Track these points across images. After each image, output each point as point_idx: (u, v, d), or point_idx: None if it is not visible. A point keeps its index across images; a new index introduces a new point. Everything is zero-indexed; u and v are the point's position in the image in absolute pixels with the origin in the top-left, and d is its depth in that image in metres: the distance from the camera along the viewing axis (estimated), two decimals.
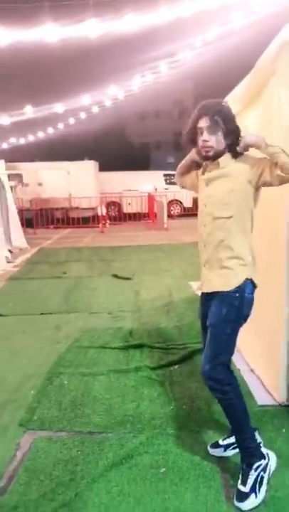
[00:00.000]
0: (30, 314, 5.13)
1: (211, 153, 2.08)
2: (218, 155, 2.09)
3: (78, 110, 13.97)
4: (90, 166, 16.88)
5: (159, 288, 6.13)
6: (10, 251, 9.34)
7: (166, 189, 17.81)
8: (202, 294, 2.28)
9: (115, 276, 7.03)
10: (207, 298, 2.19)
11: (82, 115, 15.04)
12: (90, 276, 7.18)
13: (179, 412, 2.84)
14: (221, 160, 2.09)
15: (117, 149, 28.45)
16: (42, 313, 5.13)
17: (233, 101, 3.68)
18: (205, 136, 2.05)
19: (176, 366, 3.52)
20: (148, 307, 5.24)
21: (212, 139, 2.04)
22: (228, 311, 2.06)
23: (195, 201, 17.83)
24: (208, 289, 2.16)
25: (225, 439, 2.40)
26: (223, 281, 2.09)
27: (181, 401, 2.97)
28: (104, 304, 5.50)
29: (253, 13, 8.03)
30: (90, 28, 6.20)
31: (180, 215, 17.84)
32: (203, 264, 2.21)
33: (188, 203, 18.08)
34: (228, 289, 2.07)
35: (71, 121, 15.51)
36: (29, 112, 11.80)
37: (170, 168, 21.66)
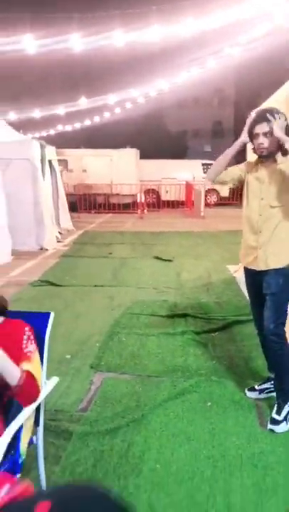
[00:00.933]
0: (86, 286, 5.80)
1: (264, 153, 2.56)
2: (271, 154, 2.56)
3: (123, 101, 14.54)
4: (131, 153, 17.42)
5: (199, 270, 6.67)
6: (59, 232, 10.09)
7: (204, 178, 18.12)
8: (253, 272, 2.70)
9: (157, 258, 7.61)
10: (260, 274, 2.63)
11: (128, 105, 15.58)
12: (133, 258, 7.79)
13: (221, 366, 3.41)
14: (277, 158, 2.55)
15: (155, 138, 28.80)
16: (95, 286, 5.80)
17: (276, 102, 4.14)
18: (261, 139, 2.53)
19: (216, 333, 4.09)
20: (189, 285, 5.81)
21: (266, 142, 2.52)
22: (284, 281, 2.55)
23: (232, 191, 18.15)
24: (266, 266, 2.59)
25: (260, 384, 2.95)
26: (277, 260, 2.55)
27: (222, 358, 3.54)
28: (149, 281, 6.10)
29: None
30: (153, 35, 6.75)
31: (216, 204, 18.16)
32: (259, 247, 2.61)
33: (224, 193, 18.34)
34: (282, 266, 2.55)
35: (117, 110, 16.09)
36: (83, 103, 12.47)
37: (207, 157, 21.93)
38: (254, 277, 2.72)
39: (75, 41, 8.59)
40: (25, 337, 1.79)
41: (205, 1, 6.61)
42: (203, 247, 8.80)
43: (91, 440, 2.49)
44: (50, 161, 9.82)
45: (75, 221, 12.33)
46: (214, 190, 18.47)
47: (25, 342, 1.78)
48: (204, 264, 7.05)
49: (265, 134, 2.50)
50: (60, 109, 12.46)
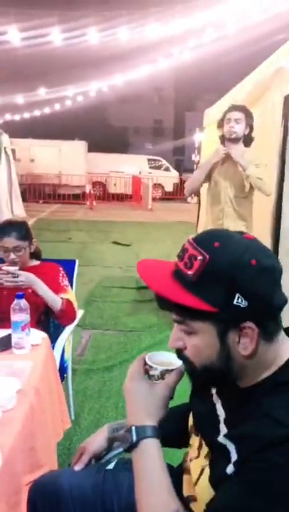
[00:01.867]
0: None
1: (233, 136, 2.94)
2: (238, 140, 2.97)
3: (75, 94, 14.82)
4: (80, 146, 17.69)
5: (157, 252, 7.31)
6: None
7: (150, 173, 18.86)
8: None
9: (116, 243, 8.14)
10: None
11: (79, 98, 15.86)
12: (93, 242, 8.25)
13: None
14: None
15: (101, 132, 29.11)
16: None
17: (234, 101, 4.82)
18: (232, 123, 2.94)
19: None
20: None
21: (237, 127, 2.93)
22: None
23: (176, 186, 19.08)
24: None
25: None
26: None
27: None
28: (112, 261, 6.62)
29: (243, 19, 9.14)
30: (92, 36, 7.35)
31: (161, 198, 18.99)
32: None
33: (168, 188, 19.24)
34: None
35: (68, 103, 16.30)
36: (42, 93, 12.61)
37: (149, 153, 22.72)
38: None
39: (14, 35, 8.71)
40: (60, 274, 2.27)
41: (167, 9, 7.26)
42: (156, 234, 9.46)
43: (93, 374, 3.00)
44: (4, 149, 9.93)
45: (25, 210, 12.44)
46: (160, 185, 19.29)
47: (60, 278, 2.25)
48: (161, 248, 7.71)
49: (236, 120, 2.93)
50: (9, 98, 12.50)
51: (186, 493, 0.93)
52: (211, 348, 0.80)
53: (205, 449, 0.89)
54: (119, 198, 17.90)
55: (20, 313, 1.52)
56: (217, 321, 0.77)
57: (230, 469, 0.73)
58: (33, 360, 1.48)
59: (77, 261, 2.49)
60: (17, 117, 18.46)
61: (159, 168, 19.76)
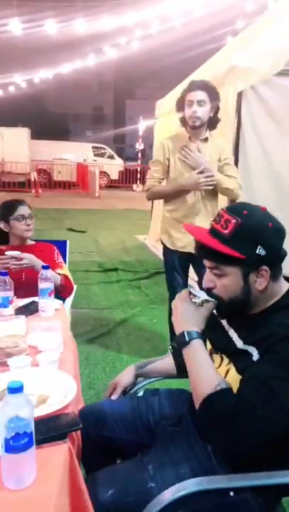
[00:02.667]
0: None
1: (198, 124, 2.51)
2: (203, 126, 2.55)
3: (17, 81, 14.50)
4: (23, 132, 17.32)
5: (113, 238, 7.60)
6: None
7: (95, 161, 18.93)
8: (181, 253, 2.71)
9: (71, 229, 8.30)
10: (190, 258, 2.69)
11: (23, 84, 15.50)
12: (47, 230, 8.32)
13: (155, 299, 4.42)
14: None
15: (43, 119, 28.46)
16: None
17: None
18: (195, 107, 2.47)
19: (145, 280, 5.09)
20: (109, 249, 6.71)
21: (200, 111, 2.47)
22: None
23: (121, 174, 19.32)
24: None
25: None
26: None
27: (154, 295, 4.54)
28: (71, 247, 6.79)
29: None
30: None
31: (106, 186, 19.16)
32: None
33: (114, 176, 19.44)
34: None
35: (11, 88, 15.87)
36: None
37: (90, 141, 22.69)
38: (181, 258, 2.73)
39: None
40: (55, 253, 2.52)
41: (121, 3, 7.46)
42: (109, 221, 9.72)
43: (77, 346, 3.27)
44: None
45: None
46: (105, 172, 19.40)
47: (56, 256, 2.51)
48: (115, 234, 8.00)
49: (199, 103, 2.46)
50: None
51: None
52: (236, 286, 1.15)
53: (226, 361, 1.24)
54: (65, 185, 17.81)
55: (46, 282, 1.78)
56: (243, 265, 1.12)
57: (255, 358, 1.09)
58: (58, 321, 1.75)
59: (68, 241, 2.74)
60: None
61: (102, 155, 19.86)
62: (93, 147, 19.96)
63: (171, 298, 2.88)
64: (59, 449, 1.01)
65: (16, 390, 0.85)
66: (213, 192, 2.66)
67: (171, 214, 2.75)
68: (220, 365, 1.26)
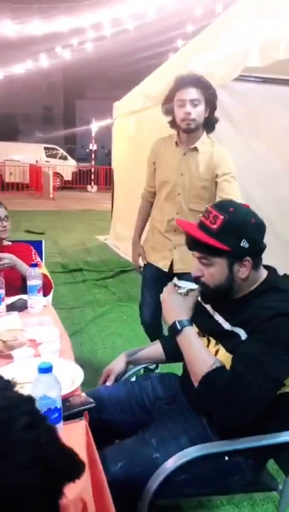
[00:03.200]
0: None
1: (192, 126, 2.14)
2: (198, 129, 2.18)
3: None
4: None
5: (73, 239, 7.61)
6: None
7: (48, 161, 18.67)
8: (163, 272, 2.39)
9: (29, 231, 8.18)
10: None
11: None
12: None
13: (122, 297, 4.53)
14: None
15: None
16: None
17: (144, 97, 5.30)
18: (188, 108, 2.08)
19: (110, 279, 5.18)
20: (70, 251, 6.73)
21: (194, 112, 2.09)
22: None
23: (74, 175, 19.19)
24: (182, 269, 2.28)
25: None
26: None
27: (121, 293, 4.66)
28: None
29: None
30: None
31: (60, 188, 18.95)
32: (174, 247, 2.31)
33: (68, 177, 19.27)
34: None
35: None
36: None
37: (40, 141, 22.33)
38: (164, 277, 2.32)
39: None
40: (32, 253, 2.57)
41: (76, 5, 7.50)
42: (66, 222, 9.68)
43: None
44: None
45: None
46: (58, 174, 19.16)
47: (33, 255, 2.56)
48: (75, 235, 8.01)
49: (193, 102, 2.07)
50: None
51: None
52: (221, 275, 1.29)
53: (213, 342, 1.39)
54: (18, 187, 17.42)
55: (34, 279, 1.85)
56: (229, 256, 1.27)
57: (243, 337, 1.24)
58: (48, 316, 1.83)
59: (43, 241, 2.80)
60: None
61: (55, 156, 19.62)
62: (45, 148, 19.68)
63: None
64: (77, 426, 1.11)
65: (46, 370, 0.95)
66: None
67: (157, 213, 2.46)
68: (208, 346, 1.40)
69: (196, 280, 1.36)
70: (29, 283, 1.84)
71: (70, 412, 1.10)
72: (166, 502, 1.49)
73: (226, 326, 1.33)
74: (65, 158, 19.79)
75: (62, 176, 19.39)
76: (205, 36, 4.52)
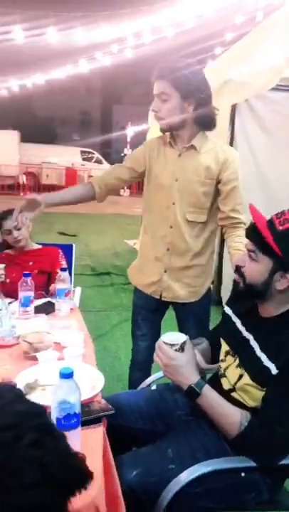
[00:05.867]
0: None
1: (163, 127, 1.83)
2: (172, 129, 1.83)
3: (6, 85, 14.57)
4: (12, 135, 17.30)
5: (103, 243, 7.71)
6: None
7: (83, 165, 19.00)
8: (155, 300, 2.07)
9: (62, 233, 8.37)
10: (165, 304, 2.12)
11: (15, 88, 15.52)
12: (38, 233, 8.35)
13: None
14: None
15: (27, 122, 28.38)
16: None
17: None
18: (154, 104, 1.79)
19: None
20: (100, 254, 6.82)
21: (161, 108, 1.78)
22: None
23: None
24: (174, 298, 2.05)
25: None
26: (194, 291, 2.00)
27: None
28: None
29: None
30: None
31: None
32: (164, 270, 1.97)
33: None
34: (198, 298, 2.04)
35: (3, 92, 15.87)
36: None
37: (76, 145, 22.73)
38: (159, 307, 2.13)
39: None
40: (60, 255, 2.64)
41: (116, 13, 7.66)
42: (98, 226, 9.83)
43: None
44: None
45: None
46: (92, 176, 19.36)
47: (60, 258, 2.63)
48: (106, 239, 8.12)
49: (159, 97, 1.76)
50: None
51: (226, 387, 1.43)
52: (260, 276, 1.27)
53: (236, 362, 1.37)
54: (52, 189, 17.78)
55: (62, 283, 1.90)
56: (276, 261, 1.24)
57: (274, 371, 1.21)
58: (74, 320, 1.87)
59: (74, 245, 2.86)
60: None
61: (90, 160, 19.92)
62: (81, 151, 20.03)
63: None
64: (95, 432, 1.14)
65: (67, 375, 0.97)
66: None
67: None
68: (232, 364, 1.38)
69: (237, 269, 1.35)
70: (57, 286, 1.89)
71: (88, 417, 1.12)
72: None
73: (262, 358, 1.27)
74: (100, 162, 20.06)
75: None
76: (244, 44, 4.49)
